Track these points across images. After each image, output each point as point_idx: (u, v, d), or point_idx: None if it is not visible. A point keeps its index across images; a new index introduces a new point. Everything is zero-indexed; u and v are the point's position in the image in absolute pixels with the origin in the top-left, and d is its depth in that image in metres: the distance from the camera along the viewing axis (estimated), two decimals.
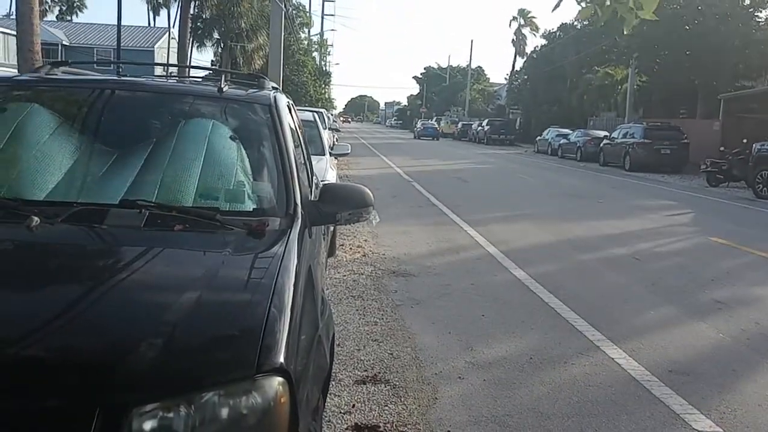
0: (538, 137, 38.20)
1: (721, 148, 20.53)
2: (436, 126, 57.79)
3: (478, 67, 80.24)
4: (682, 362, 4.82)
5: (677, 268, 8.08)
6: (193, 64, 30.89)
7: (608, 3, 2.29)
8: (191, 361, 1.90)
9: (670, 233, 10.90)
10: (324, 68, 54.52)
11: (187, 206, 2.72)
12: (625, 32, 2.40)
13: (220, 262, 2.38)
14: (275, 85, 4.07)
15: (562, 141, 33.62)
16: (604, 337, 5.22)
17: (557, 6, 2.47)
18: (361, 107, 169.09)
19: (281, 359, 1.92)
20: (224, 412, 1.83)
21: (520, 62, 60.93)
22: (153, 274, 2.37)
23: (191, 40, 29.69)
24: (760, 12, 27.71)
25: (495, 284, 6.90)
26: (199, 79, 4.39)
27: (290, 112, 3.92)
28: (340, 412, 3.75)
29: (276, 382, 1.88)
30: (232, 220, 2.67)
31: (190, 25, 27.81)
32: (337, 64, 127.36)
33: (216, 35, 31.95)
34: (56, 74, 3.51)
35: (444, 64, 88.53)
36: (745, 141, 18.27)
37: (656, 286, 7.14)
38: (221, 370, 1.87)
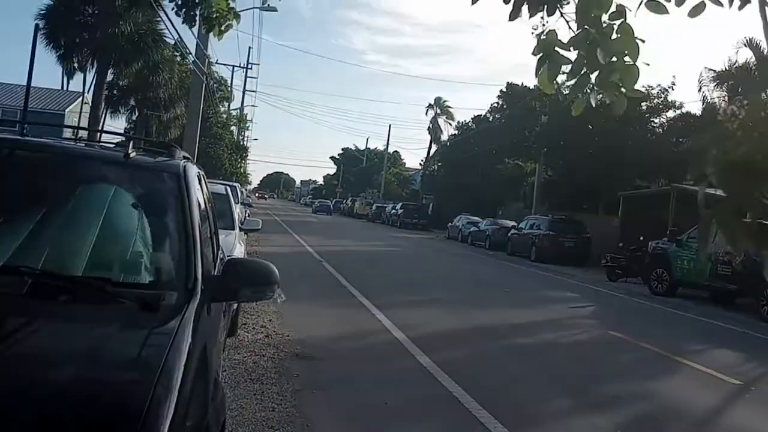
0: (450, 223, 39.04)
1: (620, 244, 21.50)
2: (329, 203, 70.44)
3: (395, 151, 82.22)
4: None
5: (578, 360, 8.23)
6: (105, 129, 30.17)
7: (592, 84, 2.34)
8: None
9: (572, 325, 11.18)
10: (241, 143, 54.39)
11: (75, 275, 2.54)
12: (616, 114, 2.45)
13: (105, 337, 2.22)
14: (187, 155, 3.96)
15: (473, 228, 34.44)
16: (505, 429, 5.17)
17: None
18: (276, 183, 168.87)
19: None
20: None
21: (435, 148, 62.77)
22: (28, 347, 2.18)
23: (105, 106, 29.01)
24: (656, 118, 29.93)
25: (400, 371, 6.80)
26: (111, 145, 4.23)
27: (200, 183, 3.81)
28: None
29: None
30: (124, 293, 2.53)
31: (105, 91, 27.30)
32: (256, 139, 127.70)
33: (132, 102, 31.37)
34: None
35: (362, 146, 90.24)
36: (642, 238, 19.21)
37: (557, 377, 7.23)
38: None
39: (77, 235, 2.73)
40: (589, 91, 2.48)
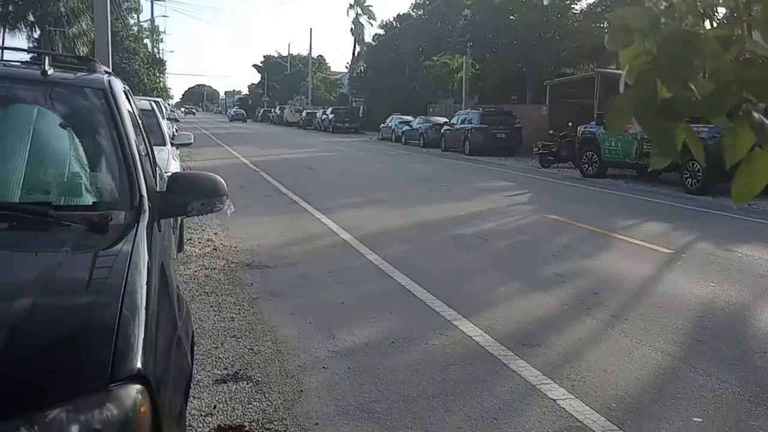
0: (382, 125, 38.83)
1: (550, 131, 21.89)
2: (243, 112, 79.61)
3: (319, 55, 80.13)
4: (533, 334, 5.04)
5: (520, 245, 8.49)
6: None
7: None
8: (30, 375, 1.68)
9: (511, 212, 11.46)
10: (157, 56, 51.89)
11: (12, 202, 2.40)
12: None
13: (57, 262, 2.11)
14: (108, 69, 3.73)
15: (405, 128, 34.39)
16: (460, 316, 5.34)
17: None
18: (199, 97, 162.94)
19: (138, 365, 1.74)
20: (74, 430, 1.61)
21: (359, 50, 61.49)
22: None
23: (1, 24, 26.88)
24: (576, 5, 29.93)
25: (351, 270, 6.88)
26: (20, 64, 3.91)
27: (128, 97, 3.61)
28: (201, 415, 3.54)
29: (134, 391, 1.70)
30: (68, 216, 2.40)
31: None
32: (172, 51, 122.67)
33: (31, 18, 29.03)
34: None
35: (284, 53, 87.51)
36: (570, 124, 19.59)
37: (503, 263, 7.46)
38: (68, 383, 1.67)
39: (5, 161, 2.56)
40: None
